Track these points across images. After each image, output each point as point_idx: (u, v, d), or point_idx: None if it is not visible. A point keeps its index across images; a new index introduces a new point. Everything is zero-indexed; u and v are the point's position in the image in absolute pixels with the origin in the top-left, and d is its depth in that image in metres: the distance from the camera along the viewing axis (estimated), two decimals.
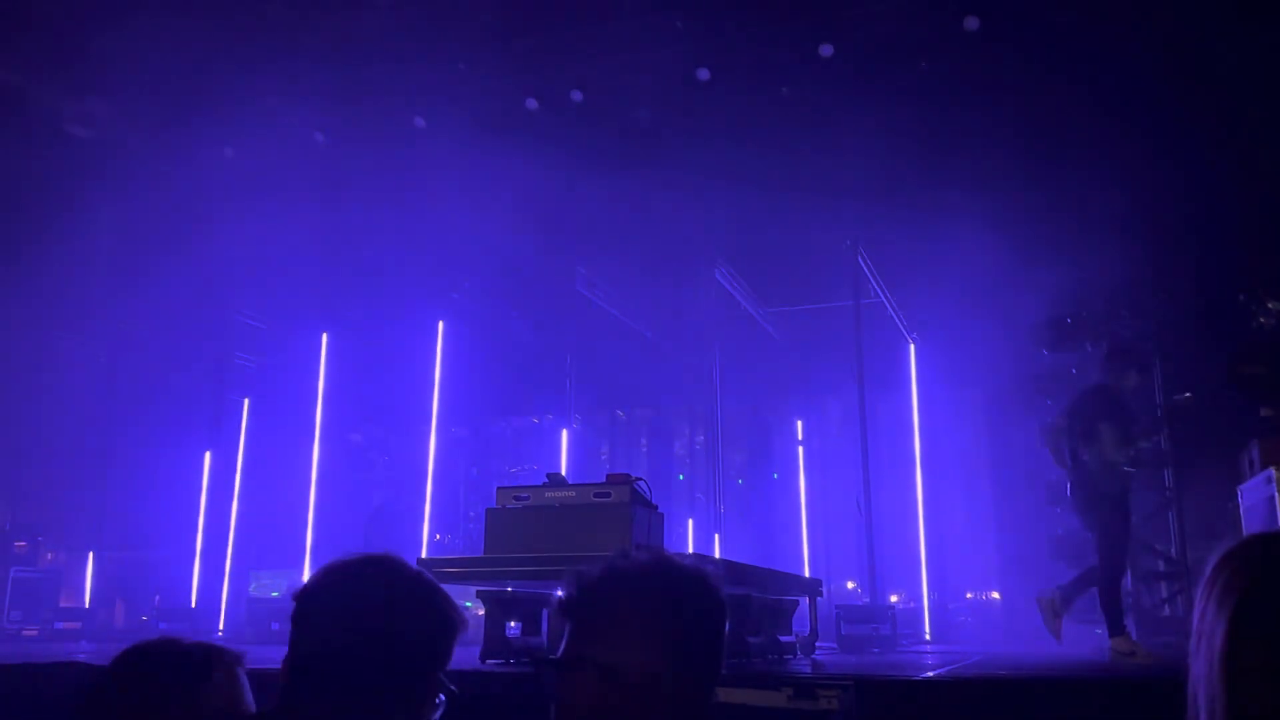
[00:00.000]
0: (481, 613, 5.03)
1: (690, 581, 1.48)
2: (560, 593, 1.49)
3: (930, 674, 3.93)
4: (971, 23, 7.35)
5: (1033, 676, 4.01)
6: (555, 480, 4.88)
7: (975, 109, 7.92)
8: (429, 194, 9.15)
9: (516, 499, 4.74)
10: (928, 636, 9.21)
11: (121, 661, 1.78)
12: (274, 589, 10.01)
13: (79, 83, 8.56)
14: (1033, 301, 8.82)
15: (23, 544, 11.06)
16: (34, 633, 9.92)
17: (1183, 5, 6.97)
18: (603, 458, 12.79)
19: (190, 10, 7.63)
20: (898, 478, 9.78)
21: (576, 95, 8.49)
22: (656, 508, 4.86)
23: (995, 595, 10.97)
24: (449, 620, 1.59)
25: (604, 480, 4.72)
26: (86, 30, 7.78)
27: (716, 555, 8.69)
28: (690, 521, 11.52)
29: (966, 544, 10.89)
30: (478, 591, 4.97)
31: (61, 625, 10.02)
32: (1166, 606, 8.15)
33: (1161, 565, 8.31)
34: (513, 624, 4.99)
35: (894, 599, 10.17)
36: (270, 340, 11.90)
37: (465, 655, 4.99)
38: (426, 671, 1.54)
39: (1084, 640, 7.68)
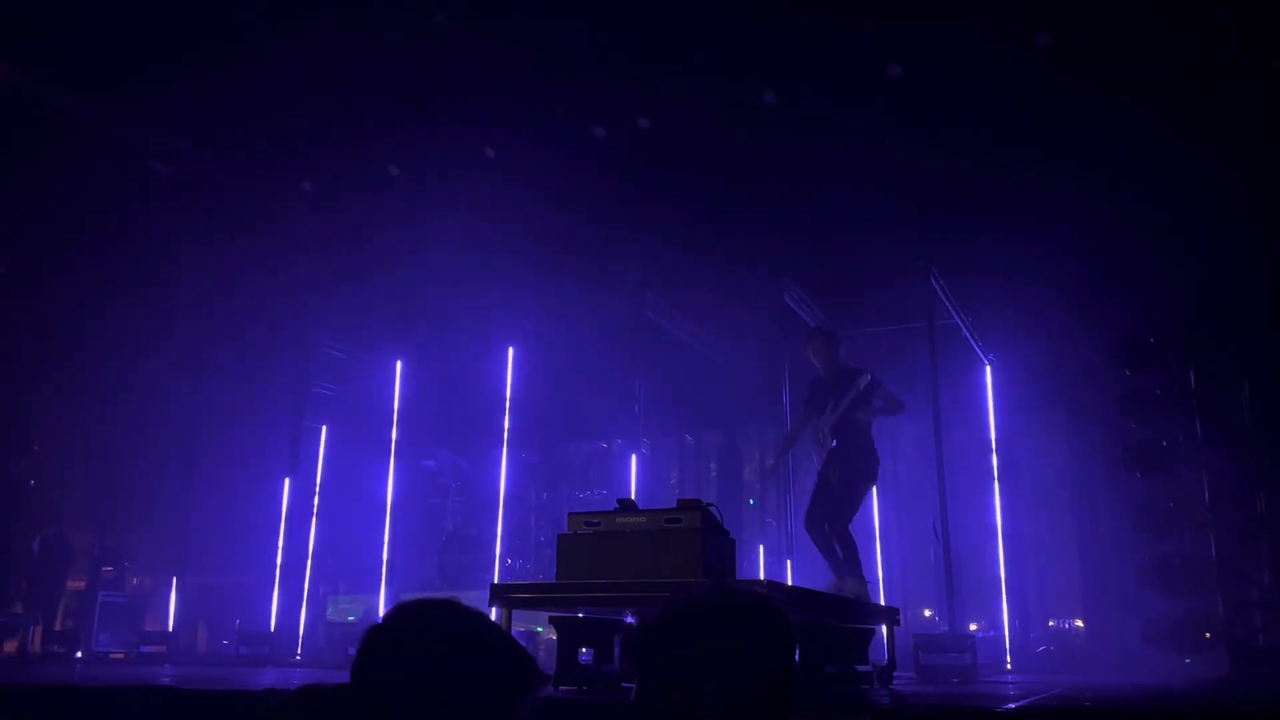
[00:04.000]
0: (554, 637, 5.04)
1: (753, 612, 1.46)
2: (628, 627, 1.48)
3: (1012, 705, 3.82)
4: (1044, 38, 7.24)
5: (1118, 708, 3.87)
6: (626, 505, 4.87)
7: (1049, 126, 7.79)
8: (498, 222, 9.28)
9: (588, 524, 4.73)
10: (1009, 666, 8.96)
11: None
12: (351, 614, 10.17)
13: (165, 121, 8.88)
14: (1114, 320, 8.59)
15: (110, 569, 11.39)
16: (120, 656, 10.19)
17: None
18: (672, 482, 12.75)
19: (267, 51, 7.87)
20: (976, 502, 9.56)
21: (643, 122, 8.54)
22: (729, 533, 4.82)
23: (1079, 623, 10.64)
24: (526, 674, 1.52)
25: (675, 505, 4.70)
26: (172, 72, 8.08)
27: (789, 582, 8.59)
28: (761, 547, 11.41)
29: (1048, 570, 10.60)
30: (550, 617, 4.97)
31: (147, 649, 10.27)
32: (1261, 636, 7.82)
33: (1254, 593, 7.99)
34: (585, 650, 4.98)
35: (973, 627, 9.93)
36: (348, 368, 12.15)
37: None
38: None
39: (1172, 671, 7.42)
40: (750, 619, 1.46)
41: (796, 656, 1.51)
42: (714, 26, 7.65)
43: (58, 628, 10.54)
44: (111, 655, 10.19)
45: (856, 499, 7.23)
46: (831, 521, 7.06)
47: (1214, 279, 8.18)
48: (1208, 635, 7.65)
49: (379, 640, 1.51)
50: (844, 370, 7.43)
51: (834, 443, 7.20)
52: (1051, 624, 10.73)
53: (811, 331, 7.82)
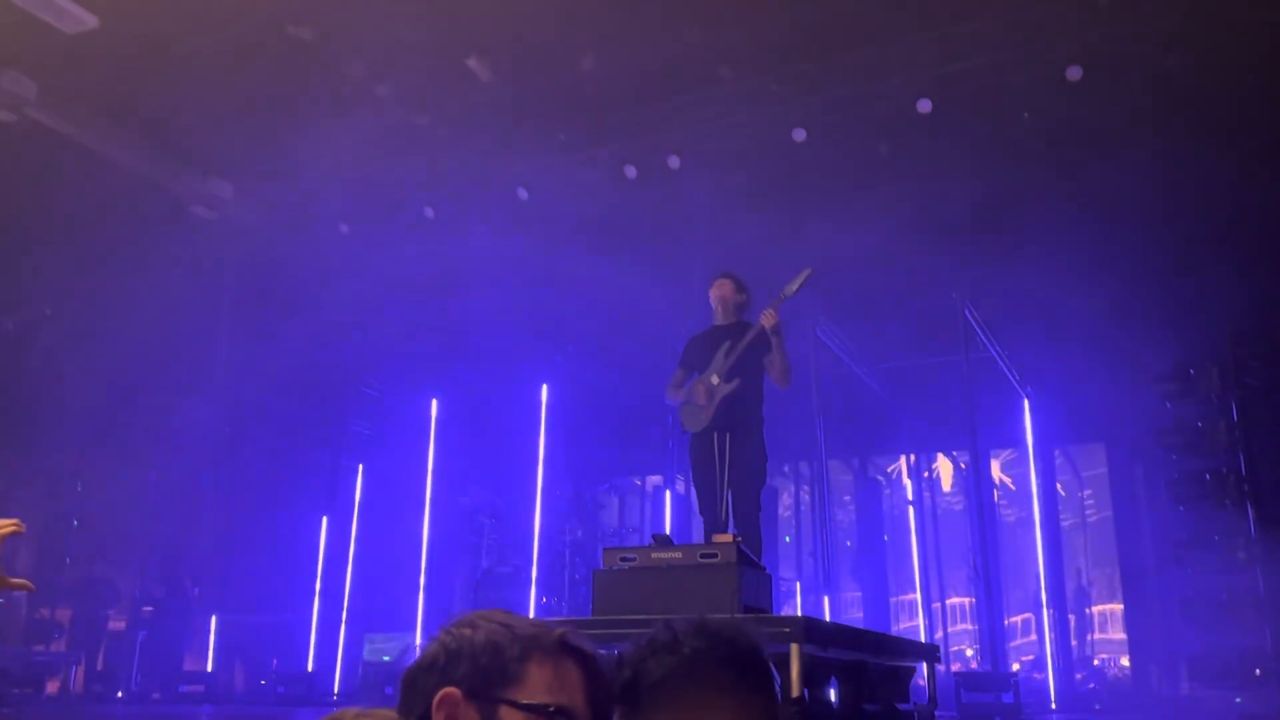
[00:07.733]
0: None
1: (735, 647, 1.45)
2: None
3: None
4: (1074, 73, 7.24)
5: None
6: (661, 541, 4.86)
7: (1081, 158, 7.76)
8: (531, 260, 9.37)
9: (623, 560, 4.72)
10: (1054, 705, 8.78)
11: None
12: (386, 653, 10.14)
13: (204, 167, 9.09)
14: (1153, 352, 8.50)
15: (149, 608, 11.46)
16: (159, 696, 10.24)
17: None
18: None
19: (304, 96, 8.05)
20: (1015, 537, 9.44)
21: (674, 161, 8.60)
22: (764, 569, 4.79)
23: (1124, 661, 10.43)
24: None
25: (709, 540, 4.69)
26: (211, 119, 8.27)
27: (826, 618, 8.50)
28: (798, 584, 11.30)
29: (1092, 606, 10.41)
30: None
31: (186, 688, 10.32)
32: None
33: None
34: None
35: (1015, 666, 9.76)
36: (384, 407, 12.24)
37: None
38: None
39: (1222, 709, 7.24)
40: (735, 655, 1.44)
41: (778, 687, 1.49)
42: (741, 61, 7.71)
43: (99, 668, 10.62)
44: (151, 695, 10.24)
45: (763, 472, 6.00)
46: (740, 509, 5.62)
47: (1256, 308, 8.07)
48: (1258, 672, 7.47)
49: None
50: (743, 323, 6.29)
51: (727, 389, 5.94)
52: (1096, 662, 10.53)
53: (726, 272, 6.42)
